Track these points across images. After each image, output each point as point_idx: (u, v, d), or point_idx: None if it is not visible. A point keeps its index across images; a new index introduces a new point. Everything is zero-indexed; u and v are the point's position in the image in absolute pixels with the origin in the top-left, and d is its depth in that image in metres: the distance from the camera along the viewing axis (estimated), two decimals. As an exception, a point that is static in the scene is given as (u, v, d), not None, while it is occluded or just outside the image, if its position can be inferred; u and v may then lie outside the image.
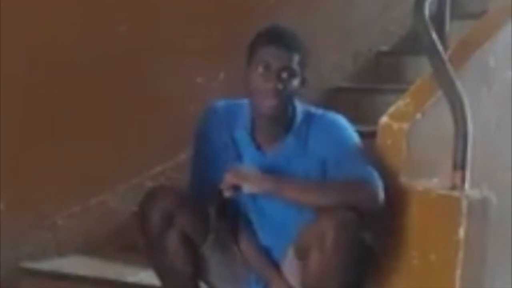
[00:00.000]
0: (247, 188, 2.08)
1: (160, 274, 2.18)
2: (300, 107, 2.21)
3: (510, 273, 2.68)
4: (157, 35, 3.04)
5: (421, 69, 2.64)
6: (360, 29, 3.83)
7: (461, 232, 2.08)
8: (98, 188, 2.95)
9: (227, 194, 2.10)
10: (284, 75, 2.10)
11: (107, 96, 2.93)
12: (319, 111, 2.23)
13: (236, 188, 2.09)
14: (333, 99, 3.50)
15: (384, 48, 3.94)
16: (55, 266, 2.77)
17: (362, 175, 2.06)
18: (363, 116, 2.34)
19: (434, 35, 2.25)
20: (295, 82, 2.13)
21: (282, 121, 2.18)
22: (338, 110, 2.27)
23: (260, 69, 2.11)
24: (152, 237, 2.10)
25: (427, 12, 2.26)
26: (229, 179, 2.08)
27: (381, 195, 2.04)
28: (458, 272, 2.09)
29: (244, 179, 2.08)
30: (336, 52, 3.71)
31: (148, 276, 2.49)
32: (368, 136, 2.26)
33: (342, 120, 2.19)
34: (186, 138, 2.72)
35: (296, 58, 2.11)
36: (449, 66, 2.23)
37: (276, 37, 2.13)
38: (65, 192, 2.86)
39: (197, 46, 3.16)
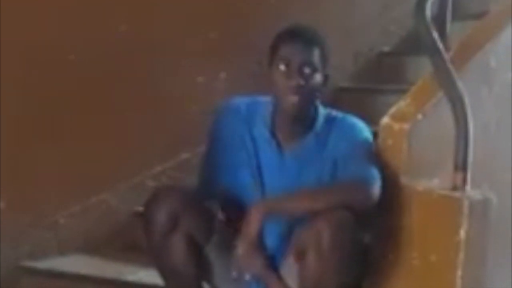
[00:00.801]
0: (256, 231, 2.07)
1: (164, 274, 2.18)
2: (322, 109, 2.22)
3: (511, 273, 2.68)
4: (157, 34, 3.04)
5: (422, 69, 2.64)
6: (360, 29, 3.83)
7: (462, 233, 2.07)
8: (99, 187, 2.95)
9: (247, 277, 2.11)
10: (306, 70, 2.11)
11: (107, 96, 2.93)
12: (340, 114, 2.24)
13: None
14: (334, 99, 3.50)
15: (385, 48, 3.94)
16: (56, 265, 2.77)
17: (362, 176, 2.06)
18: (364, 117, 2.33)
19: (435, 36, 2.25)
20: (317, 77, 2.14)
21: (304, 120, 2.18)
22: (339, 110, 2.27)
23: (282, 67, 2.11)
24: (157, 238, 2.09)
25: (428, 12, 2.26)
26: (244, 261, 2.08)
27: (375, 193, 2.04)
28: (459, 272, 2.09)
29: (247, 241, 2.06)
30: (337, 52, 3.69)
31: (147, 275, 2.49)
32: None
33: (360, 124, 2.21)
34: (187, 138, 2.73)
35: (316, 52, 2.13)
36: (450, 66, 2.23)
37: (295, 34, 2.14)
38: (65, 191, 2.86)
39: (198, 46, 3.16)
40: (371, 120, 2.39)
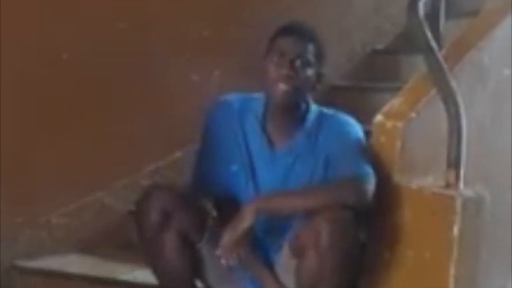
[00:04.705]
0: (245, 228, 2.07)
1: (157, 272, 2.18)
2: (314, 106, 2.23)
3: (504, 271, 2.68)
4: (153, 33, 3.04)
5: (416, 67, 2.64)
6: (354, 27, 3.83)
7: (455, 230, 2.08)
8: (93, 187, 2.94)
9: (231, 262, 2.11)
10: (298, 63, 2.13)
11: (101, 95, 2.92)
12: (331, 112, 2.25)
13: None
14: (328, 97, 3.49)
15: (379, 46, 3.94)
16: (50, 264, 2.76)
17: (355, 173, 2.06)
18: (358, 115, 2.33)
19: (429, 34, 2.25)
20: (309, 72, 2.15)
21: (295, 116, 2.20)
22: (333, 108, 2.27)
23: (275, 58, 2.14)
24: (149, 235, 2.11)
25: (421, 10, 2.27)
26: (227, 249, 2.08)
27: (370, 191, 2.04)
28: (452, 270, 2.09)
29: (233, 234, 2.07)
30: (331, 50, 3.69)
31: (142, 274, 2.49)
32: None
33: (351, 121, 2.22)
34: (181, 136, 2.73)
35: (310, 48, 2.15)
36: (443, 64, 2.23)
37: (291, 28, 2.18)
38: (59, 190, 2.85)
39: (192, 44, 3.16)
40: (365, 118, 2.39)
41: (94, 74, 2.89)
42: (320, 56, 2.18)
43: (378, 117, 2.24)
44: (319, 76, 2.19)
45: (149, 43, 3.02)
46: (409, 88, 2.36)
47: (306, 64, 2.14)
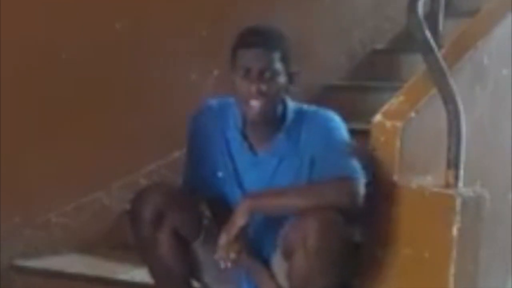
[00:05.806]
0: (240, 226, 2.07)
1: (153, 272, 2.18)
2: (291, 105, 2.20)
3: (504, 271, 2.68)
4: (151, 33, 3.03)
5: (415, 67, 2.64)
6: (354, 26, 3.83)
7: (455, 230, 2.08)
8: (92, 186, 2.94)
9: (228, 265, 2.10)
10: (266, 75, 2.08)
11: (100, 95, 2.92)
12: (312, 108, 2.22)
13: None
14: (327, 97, 3.50)
15: (379, 46, 3.94)
16: (49, 264, 2.76)
17: (343, 172, 2.05)
18: (357, 114, 2.34)
19: (428, 33, 2.25)
20: (280, 80, 2.11)
21: (273, 120, 2.17)
22: (332, 108, 2.26)
23: (242, 75, 2.09)
24: (143, 234, 2.10)
25: (421, 10, 2.26)
26: (224, 250, 2.08)
27: (360, 191, 2.02)
28: (452, 269, 2.09)
29: (229, 232, 2.06)
30: (330, 50, 3.71)
31: (140, 274, 2.49)
32: (362, 134, 2.26)
33: (333, 117, 2.18)
34: (180, 136, 2.72)
35: (276, 56, 2.09)
36: (443, 64, 2.23)
37: (252, 39, 2.10)
38: (58, 190, 2.85)
39: (191, 43, 3.16)
40: (364, 117, 2.39)
41: (93, 74, 2.88)
42: (287, 58, 2.12)
43: (378, 117, 2.23)
44: (290, 76, 2.14)
45: (148, 43, 3.02)
46: (409, 87, 2.35)
47: (275, 74, 2.09)
